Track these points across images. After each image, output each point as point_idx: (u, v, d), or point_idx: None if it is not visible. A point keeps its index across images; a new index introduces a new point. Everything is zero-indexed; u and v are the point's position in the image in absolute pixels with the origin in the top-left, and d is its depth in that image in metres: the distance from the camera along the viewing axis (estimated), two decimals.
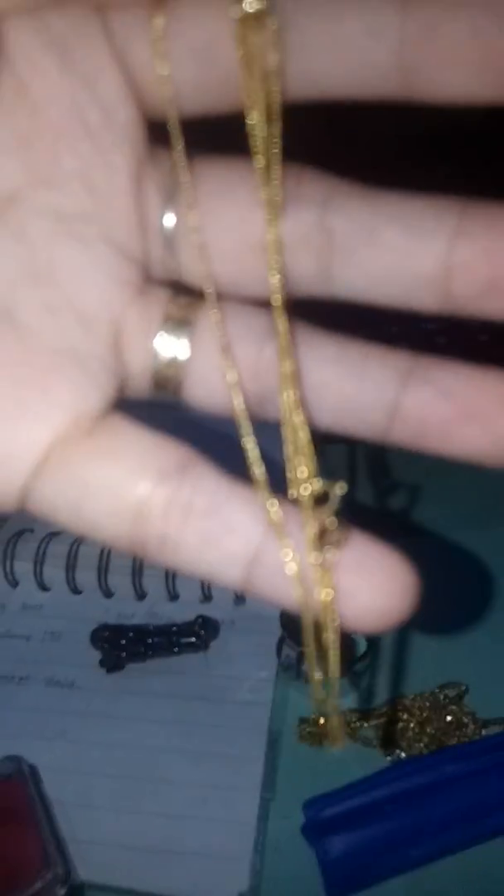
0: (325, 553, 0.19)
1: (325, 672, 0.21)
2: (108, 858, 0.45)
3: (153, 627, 0.53)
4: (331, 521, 0.20)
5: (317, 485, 0.20)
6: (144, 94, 0.20)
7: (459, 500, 0.52)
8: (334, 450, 0.52)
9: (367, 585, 0.20)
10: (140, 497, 0.20)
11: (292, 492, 0.20)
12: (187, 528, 0.20)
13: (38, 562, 0.56)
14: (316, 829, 0.45)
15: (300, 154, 0.20)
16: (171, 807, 0.47)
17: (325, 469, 0.20)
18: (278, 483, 0.20)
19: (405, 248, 0.20)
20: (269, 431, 0.21)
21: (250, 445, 0.20)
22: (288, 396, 0.20)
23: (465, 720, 0.46)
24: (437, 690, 0.48)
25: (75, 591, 0.56)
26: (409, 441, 0.21)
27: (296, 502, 0.20)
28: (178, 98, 0.19)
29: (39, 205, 0.20)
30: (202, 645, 0.52)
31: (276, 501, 0.20)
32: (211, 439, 0.23)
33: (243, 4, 0.18)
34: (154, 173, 0.21)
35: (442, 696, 0.47)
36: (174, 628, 0.52)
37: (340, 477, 0.20)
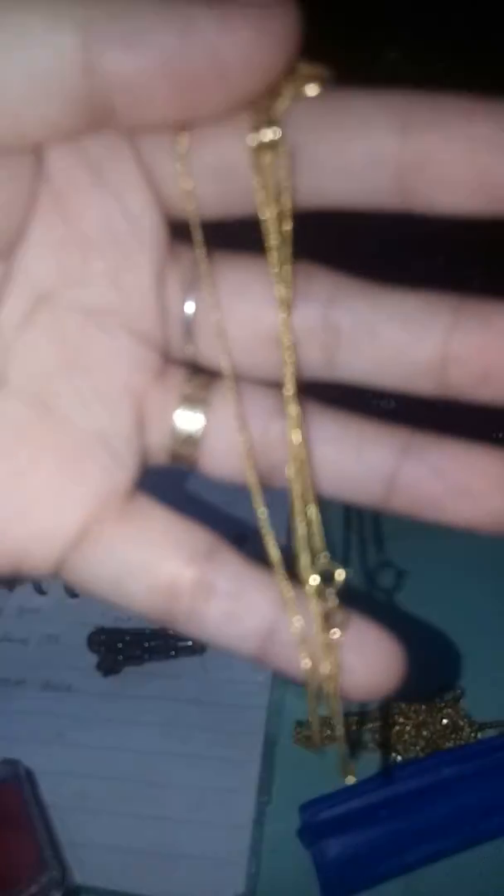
0: (329, 633, 0.22)
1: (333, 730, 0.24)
2: (105, 862, 0.45)
3: (150, 631, 0.53)
4: (334, 605, 0.22)
5: (324, 567, 0.22)
6: (168, 203, 0.22)
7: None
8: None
9: (365, 664, 0.22)
10: (172, 577, 0.23)
11: (302, 574, 0.22)
12: (211, 606, 0.22)
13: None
14: (312, 832, 0.45)
15: (308, 251, 0.22)
16: (168, 810, 0.47)
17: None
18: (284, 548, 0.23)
19: (404, 343, 0.22)
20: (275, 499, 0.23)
21: (265, 526, 0.22)
22: (299, 480, 0.22)
23: (461, 723, 0.46)
24: (433, 694, 0.48)
25: (72, 594, 0.56)
26: (406, 511, 0.23)
27: (304, 584, 0.22)
28: (199, 207, 0.21)
29: (71, 301, 0.22)
30: (199, 648, 0.52)
31: (289, 587, 0.22)
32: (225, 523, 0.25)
33: (260, 134, 0.20)
34: (176, 267, 0.23)
35: (438, 700, 0.47)
36: (171, 632, 0.52)
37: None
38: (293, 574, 0.23)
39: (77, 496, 0.22)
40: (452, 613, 0.51)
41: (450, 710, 0.46)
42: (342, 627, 0.22)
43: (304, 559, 0.22)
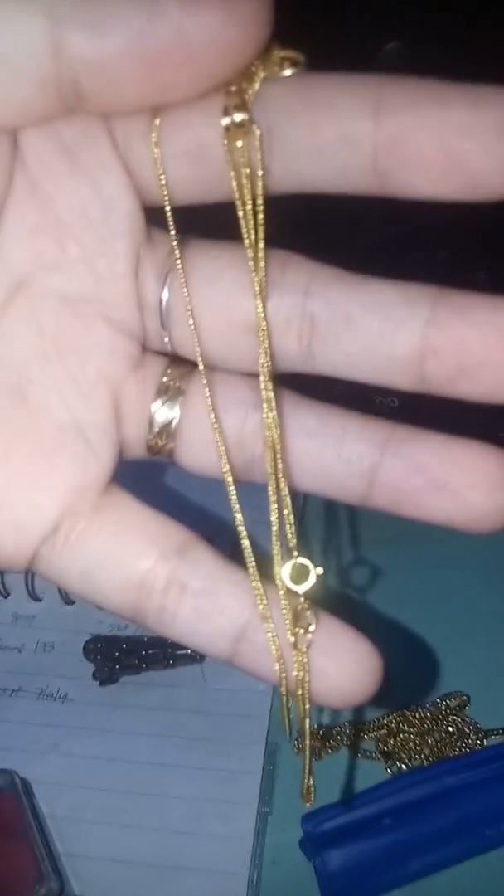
0: (299, 635, 0.22)
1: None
2: (103, 874, 0.44)
3: (147, 639, 0.52)
4: (304, 605, 0.22)
5: (297, 564, 0.22)
6: (143, 188, 0.22)
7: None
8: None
9: (336, 668, 0.22)
10: (144, 573, 0.22)
11: (275, 572, 0.22)
12: (183, 604, 0.22)
13: (30, 571, 0.55)
14: (314, 842, 0.44)
15: (285, 240, 0.22)
16: (167, 821, 0.46)
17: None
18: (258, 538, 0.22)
19: (380, 334, 0.21)
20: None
21: (241, 527, 0.22)
22: (274, 474, 0.22)
23: (467, 730, 0.45)
24: (438, 701, 0.48)
25: (68, 601, 0.55)
26: (386, 507, 0.22)
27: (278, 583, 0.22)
28: (173, 191, 0.21)
29: (46, 288, 0.22)
30: (198, 657, 0.51)
31: (261, 588, 0.22)
32: (202, 519, 0.25)
33: (230, 115, 0.20)
34: (152, 255, 0.22)
35: (443, 707, 0.47)
36: (169, 640, 0.52)
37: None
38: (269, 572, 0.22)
39: (51, 487, 0.22)
40: (446, 616, 0.50)
41: (455, 718, 0.46)
42: (312, 628, 0.22)
43: (276, 556, 0.22)
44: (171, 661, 0.51)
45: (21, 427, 0.22)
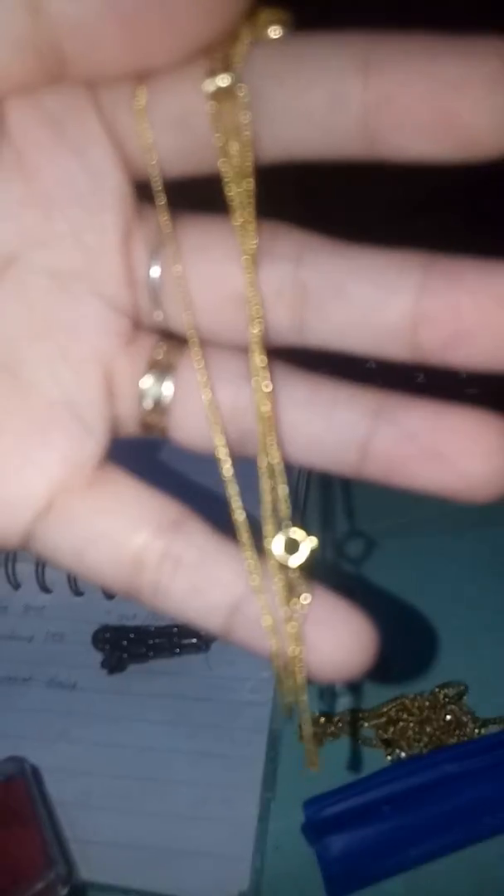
0: (292, 607, 0.21)
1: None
2: (110, 858, 0.45)
3: (154, 628, 0.53)
4: (297, 576, 0.22)
5: (290, 535, 0.22)
6: (131, 160, 0.21)
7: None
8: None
9: (331, 640, 0.22)
10: (138, 548, 0.22)
11: (266, 544, 0.22)
12: (177, 579, 0.22)
13: (40, 563, 0.56)
14: (316, 828, 0.45)
15: (275, 210, 0.21)
16: (173, 806, 0.47)
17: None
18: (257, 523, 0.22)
19: (372, 302, 0.21)
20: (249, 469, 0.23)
21: (235, 500, 0.22)
22: (265, 446, 0.22)
23: (465, 719, 0.46)
24: (436, 690, 0.48)
25: (77, 592, 0.56)
26: (379, 477, 0.22)
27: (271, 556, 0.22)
28: (161, 162, 0.21)
29: (35, 264, 0.21)
30: (203, 646, 0.52)
31: (256, 561, 0.22)
32: (198, 495, 0.24)
33: (215, 79, 0.19)
34: (141, 230, 0.22)
35: (441, 696, 0.47)
36: (175, 629, 0.52)
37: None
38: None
39: (44, 464, 0.22)
40: (441, 606, 0.50)
41: (453, 707, 0.46)
42: (306, 600, 0.21)
43: (267, 528, 0.22)
44: (178, 650, 0.52)
45: (13, 405, 0.22)
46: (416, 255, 0.21)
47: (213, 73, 0.19)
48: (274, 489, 0.22)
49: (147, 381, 0.23)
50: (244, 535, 0.22)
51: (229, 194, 0.20)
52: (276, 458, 0.22)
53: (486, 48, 0.18)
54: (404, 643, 0.47)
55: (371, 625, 0.22)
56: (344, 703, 0.49)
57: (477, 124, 0.18)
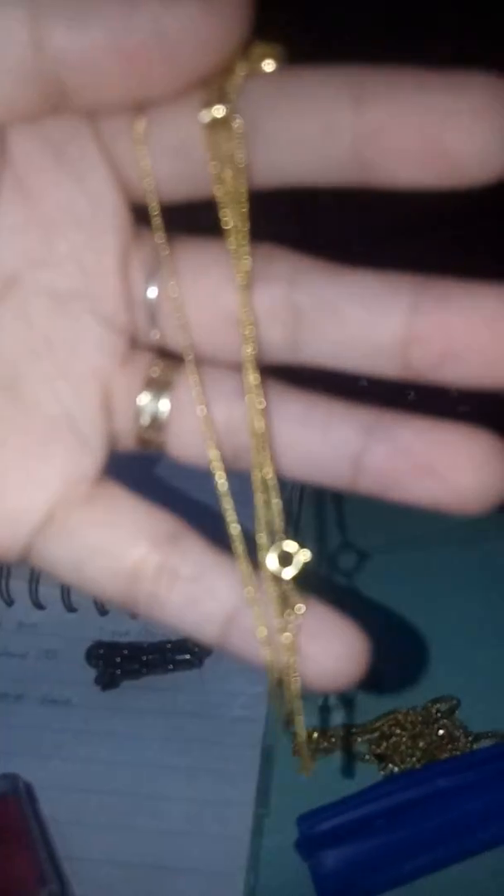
0: (286, 618, 0.22)
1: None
2: (104, 876, 0.45)
3: (148, 645, 0.53)
4: (291, 588, 0.22)
5: (283, 548, 0.22)
6: (129, 186, 0.22)
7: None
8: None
9: (324, 651, 0.22)
10: (135, 561, 0.23)
11: (261, 557, 0.22)
12: (173, 590, 0.23)
13: (34, 580, 0.56)
14: (310, 843, 0.45)
15: (269, 234, 0.22)
16: (166, 823, 0.47)
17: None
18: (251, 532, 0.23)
19: (365, 323, 0.22)
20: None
21: (230, 514, 0.22)
22: (259, 460, 0.22)
23: (457, 734, 0.46)
24: (429, 705, 0.48)
25: (70, 609, 0.56)
26: (373, 491, 0.22)
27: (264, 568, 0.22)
28: (158, 188, 0.22)
29: (36, 284, 0.22)
30: (196, 662, 0.52)
31: (251, 573, 0.22)
32: (195, 510, 0.25)
33: (211, 110, 0.20)
34: (139, 252, 0.23)
35: (434, 711, 0.47)
36: (169, 645, 0.53)
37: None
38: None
39: (44, 480, 0.23)
40: (443, 612, 0.51)
41: (446, 721, 0.46)
42: (300, 612, 0.22)
43: (261, 541, 0.22)
44: (171, 666, 0.52)
45: (13, 421, 0.22)
46: (407, 277, 0.22)
47: (209, 104, 0.20)
48: (268, 503, 0.22)
49: (144, 399, 0.23)
50: (239, 547, 0.22)
51: (224, 219, 0.21)
52: (269, 473, 0.22)
53: (473, 81, 0.19)
54: (396, 657, 0.47)
55: (363, 636, 0.22)
56: (337, 718, 0.49)
57: (464, 152, 0.19)
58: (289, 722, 0.24)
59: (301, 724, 0.24)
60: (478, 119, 0.19)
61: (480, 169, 0.19)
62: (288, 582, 0.22)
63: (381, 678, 0.23)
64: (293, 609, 0.22)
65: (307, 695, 0.23)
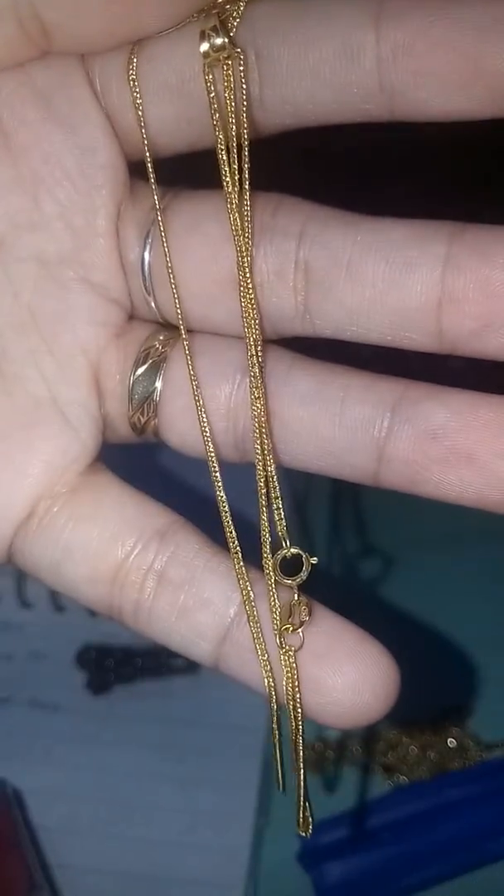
0: (286, 633, 0.18)
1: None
2: (97, 886, 0.43)
3: (142, 648, 0.51)
4: (296, 599, 0.19)
5: (288, 553, 0.19)
6: (127, 136, 0.20)
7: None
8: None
9: (332, 676, 0.18)
10: (117, 561, 0.20)
11: (263, 563, 0.20)
12: (160, 598, 0.20)
13: (21, 577, 0.54)
14: (312, 855, 0.44)
15: (280, 182, 0.20)
16: (161, 833, 0.45)
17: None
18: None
19: (387, 282, 0.18)
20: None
21: (225, 509, 0.20)
22: (261, 448, 0.19)
23: (468, 744, 0.45)
24: (439, 714, 0.47)
25: (58, 608, 0.54)
26: (400, 486, 0.19)
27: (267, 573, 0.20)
28: (158, 135, 0.19)
29: (22, 250, 0.20)
30: (193, 667, 0.51)
31: (249, 580, 0.19)
32: (202, 502, 0.22)
33: (209, 39, 0.18)
34: (135, 211, 0.21)
35: (445, 720, 0.47)
36: (163, 649, 0.51)
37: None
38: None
39: (27, 468, 0.20)
40: (455, 618, 0.49)
41: (456, 730, 0.46)
42: (303, 622, 0.18)
43: (265, 543, 0.19)
44: (166, 671, 0.51)
45: None
46: (440, 224, 0.18)
47: (206, 32, 0.18)
48: (271, 499, 0.20)
49: (135, 376, 0.21)
50: (235, 552, 0.19)
51: (223, 166, 0.19)
52: (272, 465, 0.19)
53: None
54: (407, 665, 0.47)
55: (389, 657, 0.18)
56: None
57: None
58: (284, 783, 0.20)
59: (302, 782, 0.20)
60: None
61: None
62: (293, 589, 0.19)
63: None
64: (295, 622, 0.19)
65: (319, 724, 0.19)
